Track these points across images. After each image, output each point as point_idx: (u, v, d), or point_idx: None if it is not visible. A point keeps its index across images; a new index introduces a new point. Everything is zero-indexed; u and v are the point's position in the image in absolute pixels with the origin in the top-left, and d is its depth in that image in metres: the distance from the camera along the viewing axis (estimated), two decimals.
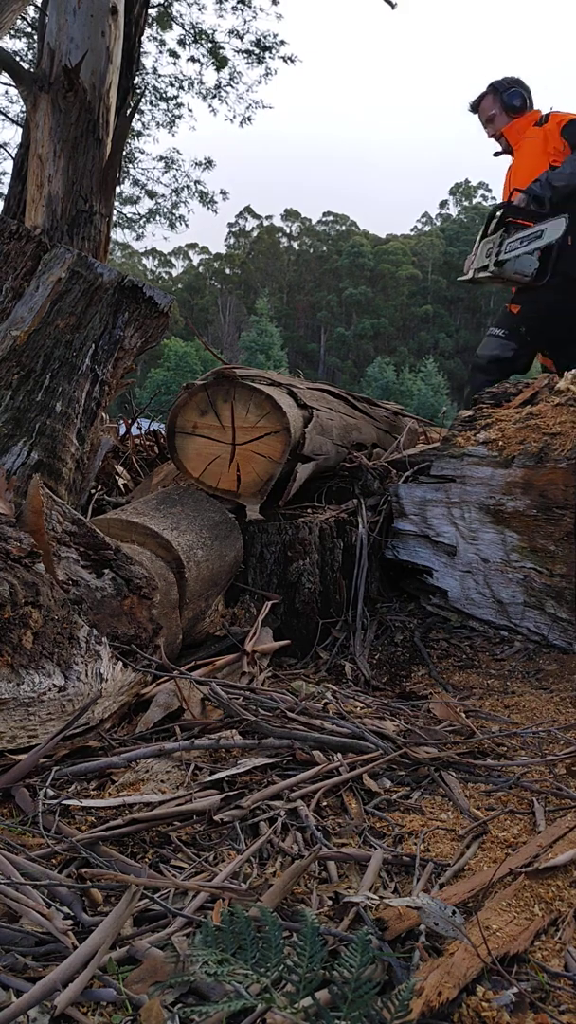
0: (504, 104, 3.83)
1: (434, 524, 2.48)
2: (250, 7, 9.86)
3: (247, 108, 10.85)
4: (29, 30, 9.48)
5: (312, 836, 1.11)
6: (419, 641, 2.31)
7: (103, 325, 1.87)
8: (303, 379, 3.46)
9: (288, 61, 10.28)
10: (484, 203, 71.90)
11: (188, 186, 12.86)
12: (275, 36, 10.14)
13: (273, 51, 10.08)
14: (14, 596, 1.24)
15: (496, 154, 4.01)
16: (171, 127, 11.63)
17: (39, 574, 1.34)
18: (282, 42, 10.13)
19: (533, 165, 3.68)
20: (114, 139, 3.22)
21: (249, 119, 10.94)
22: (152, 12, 8.97)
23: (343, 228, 70.91)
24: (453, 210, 73.25)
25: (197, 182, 12.84)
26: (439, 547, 2.48)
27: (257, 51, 10.08)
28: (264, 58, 10.11)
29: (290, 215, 72.83)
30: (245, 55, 10.21)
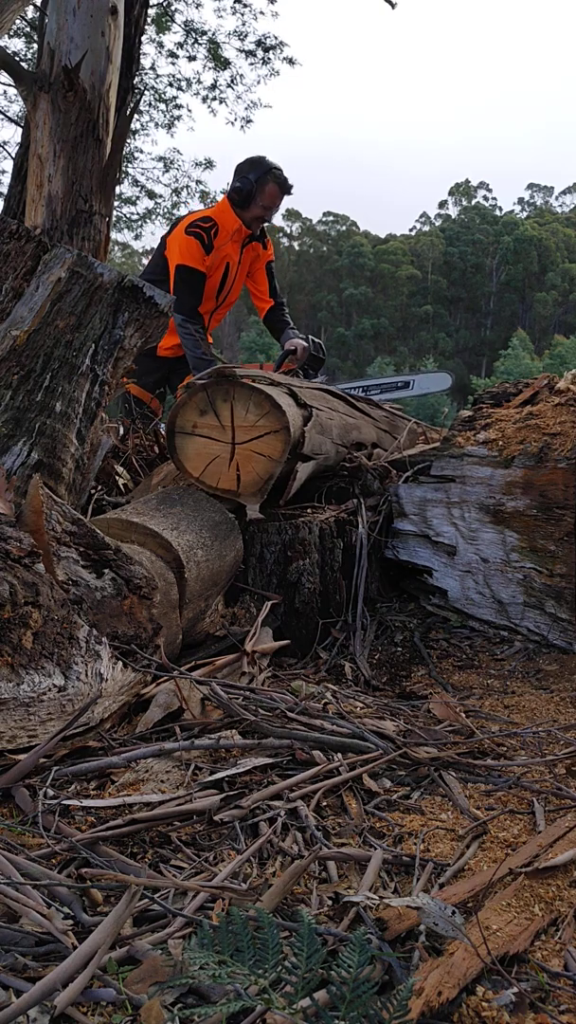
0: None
1: (434, 524, 2.48)
2: (248, 8, 9.86)
3: (246, 108, 10.83)
4: (29, 30, 9.47)
5: (312, 836, 1.11)
6: (419, 641, 2.31)
7: (103, 325, 1.86)
8: (302, 379, 3.46)
9: (290, 63, 10.26)
10: (484, 203, 71.91)
11: (188, 186, 12.84)
12: (275, 37, 10.15)
13: (276, 51, 10.07)
14: (14, 596, 1.24)
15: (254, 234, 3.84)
16: (170, 128, 11.62)
17: (39, 574, 1.34)
18: (282, 44, 10.13)
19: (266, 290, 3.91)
20: (114, 139, 3.22)
21: (249, 121, 10.91)
22: (152, 12, 8.95)
23: (343, 228, 70.91)
24: (452, 210, 73.28)
25: (198, 182, 12.81)
26: (439, 547, 2.48)
27: (261, 52, 10.07)
28: (269, 59, 10.09)
29: (291, 215, 72.78)
30: (248, 56, 10.19)
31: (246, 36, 10.14)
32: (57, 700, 1.27)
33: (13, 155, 4.69)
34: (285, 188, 3.67)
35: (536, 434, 2.39)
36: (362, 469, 2.72)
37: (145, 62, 10.42)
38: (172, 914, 0.89)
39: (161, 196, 12.93)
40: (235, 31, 10.19)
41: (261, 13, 10.15)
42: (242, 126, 10.88)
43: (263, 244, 3.90)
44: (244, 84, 10.95)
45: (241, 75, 10.54)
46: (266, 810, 1.18)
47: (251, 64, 10.27)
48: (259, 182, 3.61)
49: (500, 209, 72.36)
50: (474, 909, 0.93)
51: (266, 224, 3.83)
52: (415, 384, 4.01)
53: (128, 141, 10.72)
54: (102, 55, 3.13)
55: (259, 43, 10.09)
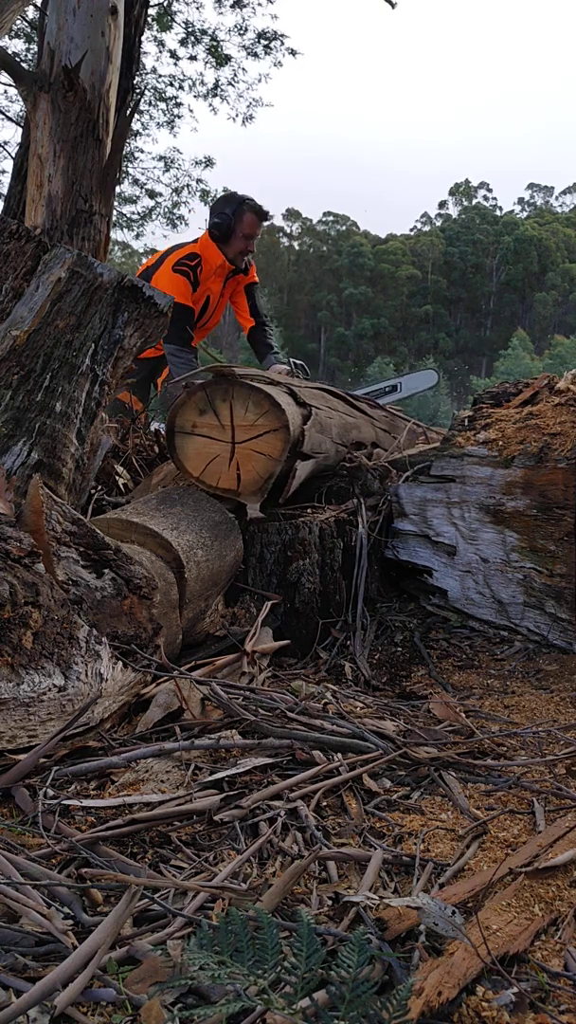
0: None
1: (434, 524, 2.48)
2: (247, 5, 9.84)
3: (248, 106, 10.80)
4: (29, 30, 9.46)
5: (312, 836, 1.11)
6: (419, 641, 2.31)
7: (103, 325, 1.86)
8: (302, 379, 3.46)
9: (292, 54, 10.24)
10: (484, 203, 71.94)
11: (189, 185, 12.81)
12: (275, 32, 10.13)
13: (278, 43, 10.04)
14: (14, 596, 1.23)
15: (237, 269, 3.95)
16: (171, 127, 11.60)
17: (39, 574, 1.34)
18: (283, 36, 10.11)
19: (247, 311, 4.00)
20: (114, 139, 3.21)
21: (251, 117, 10.89)
22: (152, 12, 8.93)
23: (343, 228, 70.92)
24: (453, 210, 73.34)
25: (199, 180, 12.78)
26: (439, 547, 2.47)
27: (262, 44, 10.04)
28: (270, 49, 10.05)
29: (291, 215, 72.76)
30: (247, 50, 10.17)
31: (246, 31, 10.12)
32: (57, 700, 1.27)
33: (13, 155, 4.69)
34: (262, 215, 3.82)
35: (536, 434, 2.39)
36: (362, 469, 2.72)
37: (146, 62, 10.42)
38: (172, 914, 0.89)
39: (161, 195, 12.92)
40: (235, 27, 10.17)
41: (259, 4, 10.11)
42: (243, 122, 10.86)
43: (245, 273, 3.99)
44: (245, 82, 10.89)
45: (244, 69, 10.53)
46: (266, 810, 1.18)
47: (251, 56, 10.24)
48: (236, 214, 3.76)
49: (500, 209, 72.47)
50: (474, 909, 0.93)
51: (250, 254, 3.92)
52: (403, 386, 3.98)
53: (128, 141, 10.72)
54: (102, 55, 3.12)
55: (260, 36, 10.07)
